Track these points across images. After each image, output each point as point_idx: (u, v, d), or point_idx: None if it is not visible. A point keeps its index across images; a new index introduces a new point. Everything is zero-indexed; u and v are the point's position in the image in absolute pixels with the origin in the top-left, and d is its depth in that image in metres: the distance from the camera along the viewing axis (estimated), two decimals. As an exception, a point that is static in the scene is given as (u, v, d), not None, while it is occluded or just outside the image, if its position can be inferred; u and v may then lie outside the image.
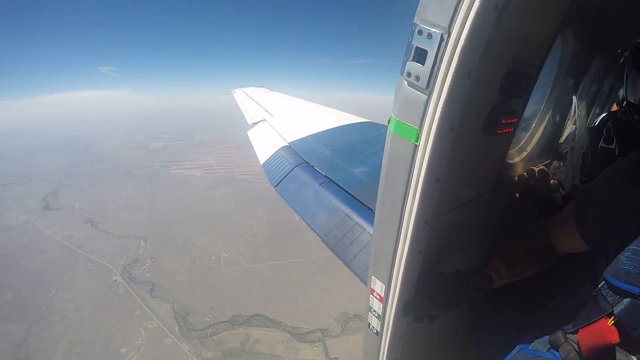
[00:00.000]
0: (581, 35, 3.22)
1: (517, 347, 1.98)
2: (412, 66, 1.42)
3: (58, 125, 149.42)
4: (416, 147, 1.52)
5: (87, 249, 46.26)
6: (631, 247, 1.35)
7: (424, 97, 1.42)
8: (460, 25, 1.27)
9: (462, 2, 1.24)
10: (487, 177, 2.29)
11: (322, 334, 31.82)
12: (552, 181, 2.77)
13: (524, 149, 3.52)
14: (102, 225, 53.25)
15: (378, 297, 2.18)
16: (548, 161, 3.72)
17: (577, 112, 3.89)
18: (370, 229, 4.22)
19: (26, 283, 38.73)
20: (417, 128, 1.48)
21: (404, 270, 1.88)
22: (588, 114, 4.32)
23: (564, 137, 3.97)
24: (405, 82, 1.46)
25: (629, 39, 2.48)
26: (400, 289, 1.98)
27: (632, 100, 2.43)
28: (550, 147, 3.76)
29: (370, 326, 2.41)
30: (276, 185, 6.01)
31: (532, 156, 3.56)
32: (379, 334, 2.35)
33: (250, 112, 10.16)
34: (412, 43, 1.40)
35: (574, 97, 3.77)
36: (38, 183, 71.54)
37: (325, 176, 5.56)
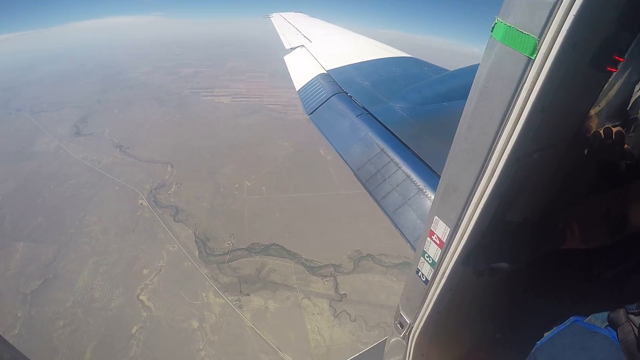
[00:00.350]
0: None
1: (571, 319, 1.79)
2: None
3: (89, 52, 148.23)
4: (530, 62, 1.24)
5: (115, 173, 47.11)
6: None
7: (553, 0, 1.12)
8: None
9: None
10: (577, 118, 1.91)
11: (334, 269, 32.41)
12: (626, 146, 2.48)
13: (598, 102, 3.14)
14: (131, 150, 53.82)
15: (437, 242, 1.94)
16: (618, 123, 3.38)
17: None
18: (405, 168, 4.09)
19: (56, 207, 40.01)
20: (537, 38, 1.19)
21: (479, 213, 1.64)
22: None
23: (630, 103, 3.62)
24: None
25: None
26: (469, 235, 1.74)
27: None
28: (622, 108, 3.38)
29: (419, 273, 2.20)
30: (311, 113, 5.82)
31: (602, 113, 3.19)
32: (427, 282, 2.16)
33: (288, 37, 9.83)
34: None
35: None
36: (69, 109, 71.86)
37: (363, 108, 5.36)
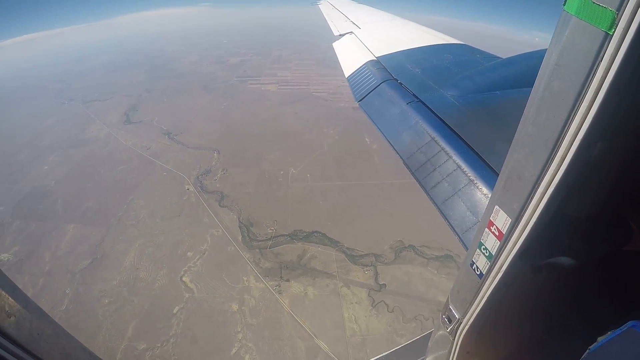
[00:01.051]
0: None
1: (629, 324, 1.65)
2: None
3: (138, 44, 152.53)
4: (608, 37, 1.11)
5: (163, 159, 48.48)
6: None
7: None
8: None
9: None
10: None
11: (375, 259, 32.21)
12: None
13: None
14: (179, 137, 55.19)
15: (496, 233, 1.83)
16: None
17: None
18: (456, 157, 4.01)
19: (106, 191, 41.71)
20: (615, 11, 1.07)
21: (545, 204, 1.53)
22: None
23: None
24: None
25: None
26: (531, 228, 1.63)
27: None
28: None
29: (474, 266, 2.11)
30: (360, 100, 5.76)
31: None
32: (482, 276, 2.06)
33: (336, 24, 9.74)
34: None
35: None
36: (119, 99, 74.38)
37: (414, 95, 5.26)
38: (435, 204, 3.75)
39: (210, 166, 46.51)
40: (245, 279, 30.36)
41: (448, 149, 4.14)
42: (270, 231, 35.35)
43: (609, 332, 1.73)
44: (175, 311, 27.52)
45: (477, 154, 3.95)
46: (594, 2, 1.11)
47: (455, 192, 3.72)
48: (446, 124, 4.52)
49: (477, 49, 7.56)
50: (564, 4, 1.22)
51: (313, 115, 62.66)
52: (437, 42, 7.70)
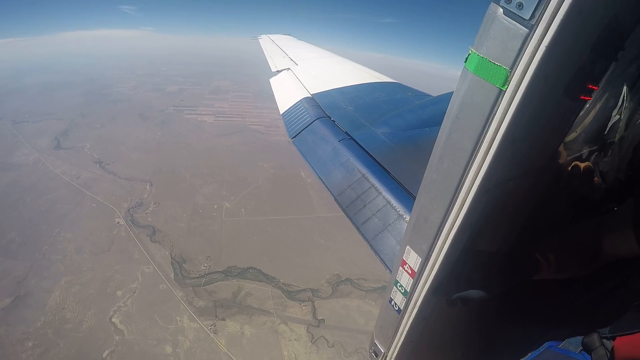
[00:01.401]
0: None
1: (546, 344, 1.80)
2: None
3: (77, 64, 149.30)
4: (501, 93, 1.24)
5: (93, 189, 46.49)
6: None
7: (525, 31, 1.14)
8: None
9: None
10: (551, 147, 1.95)
11: (313, 294, 32.18)
12: (595, 179, 2.59)
13: (574, 129, 3.21)
14: (110, 166, 53.36)
15: (409, 271, 1.94)
16: (595, 148, 3.46)
17: (625, 102, 3.62)
18: (386, 194, 4.13)
19: (32, 221, 39.22)
20: (508, 69, 1.20)
21: (450, 244, 1.64)
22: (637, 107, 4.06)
23: (608, 127, 3.72)
24: (501, 9, 1.17)
25: None
26: (440, 265, 1.74)
27: None
28: (599, 133, 3.47)
29: (392, 302, 2.19)
30: (294, 137, 5.84)
31: (579, 139, 3.26)
32: (400, 312, 2.14)
33: (274, 59, 9.94)
34: None
35: (625, 86, 3.47)
36: (51, 121, 71.35)
37: (346, 133, 5.40)
38: (366, 240, 3.80)
39: (142, 199, 45.06)
40: (178, 318, 29.22)
41: (378, 185, 4.23)
42: (204, 268, 34.50)
43: (529, 354, 1.84)
44: (104, 355, 25.92)
45: (406, 189, 4.05)
46: (490, 61, 1.23)
47: (385, 227, 3.79)
48: (376, 161, 4.63)
49: (409, 87, 7.89)
50: (465, 61, 1.33)
51: (249, 148, 62.88)
52: (371, 81, 7.97)
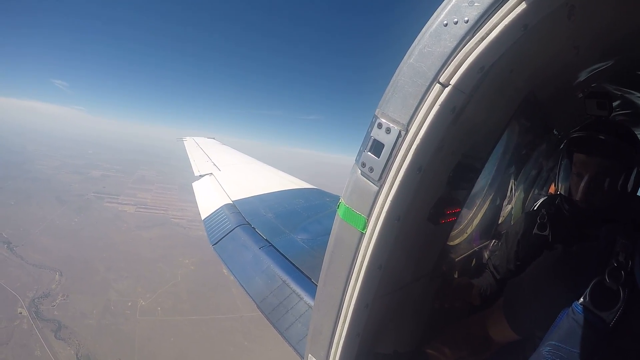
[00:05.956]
0: (527, 126, 3.44)
1: None
2: (368, 157, 1.47)
3: (0, 131, 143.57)
4: (362, 235, 1.55)
5: (-3, 272, 42.75)
6: (551, 342, 1.37)
7: (375, 188, 1.48)
8: (419, 124, 1.34)
9: (423, 103, 1.32)
10: (428, 260, 2.34)
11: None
12: (474, 289, 2.88)
13: (464, 232, 3.66)
14: (19, 249, 50.17)
15: None
16: (487, 242, 3.87)
17: (514, 194, 4.14)
18: (307, 299, 4.26)
19: None
20: (366, 217, 1.52)
21: (341, 350, 1.87)
22: (527, 195, 4.64)
23: (502, 218, 4.19)
24: (359, 171, 1.51)
25: (568, 128, 2.63)
26: None
27: (562, 192, 2.58)
28: (489, 229, 3.94)
29: None
30: (215, 244, 5.89)
31: (472, 238, 3.70)
32: None
33: (198, 163, 10.09)
34: (371, 135, 1.46)
35: (512, 181, 4.01)
36: (-39, 193, 66.44)
37: (266, 240, 5.55)
38: (291, 345, 3.84)
39: (49, 289, 42.05)
40: None
41: (299, 291, 4.34)
42: (113, 372, 31.67)
43: None
44: None
45: None
46: (352, 210, 1.56)
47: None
48: (297, 267, 4.78)
49: (327, 193, 8.29)
50: (337, 207, 1.66)
51: (169, 242, 61.23)
52: (291, 187, 8.34)
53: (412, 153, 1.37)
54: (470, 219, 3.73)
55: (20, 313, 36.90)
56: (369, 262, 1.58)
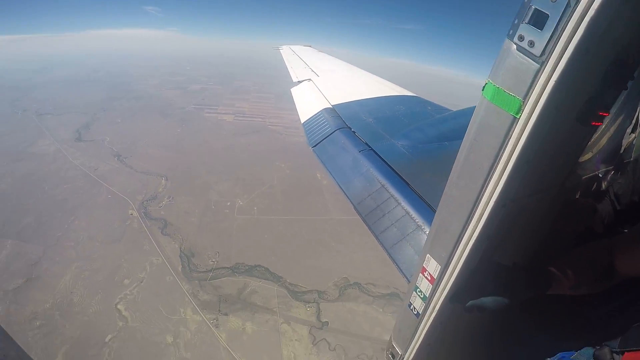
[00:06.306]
0: None
1: (559, 355, 1.87)
2: (527, 29, 1.28)
3: (102, 60, 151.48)
4: (515, 120, 1.40)
5: (110, 181, 47.11)
6: None
7: (536, 66, 1.29)
8: None
9: None
10: (565, 168, 2.08)
11: (319, 295, 31.84)
12: (597, 214, 2.64)
13: (589, 150, 3.30)
14: (128, 160, 54.00)
15: (429, 278, 2.08)
16: (611, 167, 3.53)
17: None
18: (404, 204, 4.19)
19: (48, 209, 39.93)
20: (521, 99, 1.35)
21: (468, 253, 1.78)
22: None
23: (623, 147, 3.77)
24: (514, 46, 1.33)
25: None
26: (458, 274, 1.88)
27: None
28: (614, 154, 3.54)
29: (411, 307, 2.32)
30: (315, 146, 5.94)
31: (595, 160, 3.34)
32: (419, 316, 2.27)
33: (296, 70, 10.02)
34: (530, 3, 1.26)
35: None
36: (73, 115, 72.59)
37: (366, 144, 5.49)
38: (385, 248, 3.86)
39: (156, 192, 45.44)
40: (182, 310, 29.36)
41: (397, 196, 4.31)
42: (212, 263, 34.61)
43: None
44: (107, 339, 26.19)
45: (425, 201, 4.12)
46: (505, 91, 1.39)
47: (404, 237, 3.85)
48: (396, 172, 4.72)
49: (428, 101, 7.93)
50: (482, 89, 1.49)
51: (266, 148, 62.72)
52: (391, 94, 8.09)
53: (584, 29, 1.16)
54: (598, 137, 3.36)
55: (131, 214, 40.52)
56: (520, 154, 1.42)
